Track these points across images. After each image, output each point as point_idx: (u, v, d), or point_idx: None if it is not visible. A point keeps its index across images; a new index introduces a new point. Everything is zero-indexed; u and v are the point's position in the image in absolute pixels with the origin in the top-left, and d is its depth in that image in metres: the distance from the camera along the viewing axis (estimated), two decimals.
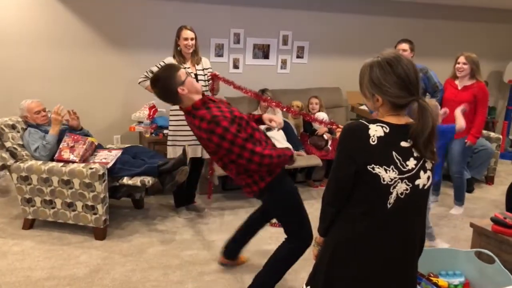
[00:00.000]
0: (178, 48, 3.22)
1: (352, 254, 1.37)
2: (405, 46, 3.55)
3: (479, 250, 2.16)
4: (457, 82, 3.54)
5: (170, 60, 3.21)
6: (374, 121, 1.33)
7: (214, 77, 3.25)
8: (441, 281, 2.04)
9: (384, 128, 1.31)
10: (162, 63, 3.18)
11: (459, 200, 3.74)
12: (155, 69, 3.18)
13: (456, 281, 2.08)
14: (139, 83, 3.26)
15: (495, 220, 2.22)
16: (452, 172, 3.66)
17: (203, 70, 3.30)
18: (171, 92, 2.12)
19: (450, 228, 3.47)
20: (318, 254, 1.52)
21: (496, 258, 2.03)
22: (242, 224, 2.66)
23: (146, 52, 4.24)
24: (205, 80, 3.30)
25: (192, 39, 3.19)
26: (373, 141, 1.29)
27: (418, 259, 1.46)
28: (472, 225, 2.36)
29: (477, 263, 2.12)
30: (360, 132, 1.30)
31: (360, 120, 1.34)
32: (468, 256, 2.16)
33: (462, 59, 3.48)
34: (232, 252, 2.69)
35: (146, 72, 3.23)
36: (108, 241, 2.99)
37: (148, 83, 3.17)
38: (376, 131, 1.30)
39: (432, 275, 2.10)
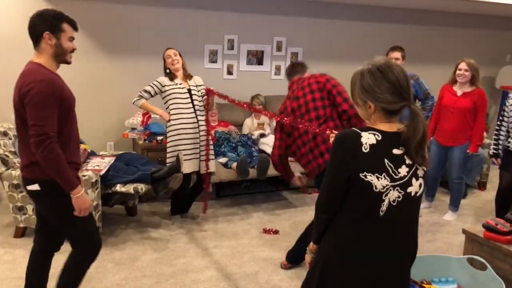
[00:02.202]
0: (167, 70, 3.28)
1: (344, 261, 1.37)
2: (397, 54, 3.57)
3: (471, 256, 2.17)
4: (455, 88, 3.50)
5: (162, 78, 3.27)
6: (366, 129, 1.33)
7: (209, 92, 3.25)
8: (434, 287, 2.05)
9: (376, 136, 1.31)
10: (155, 83, 3.25)
11: (455, 205, 3.75)
12: (148, 88, 3.24)
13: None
14: (133, 103, 3.27)
15: (487, 227, 2.23)
16: (452, 177, 3.65)
17: (196, 86, 3.33)
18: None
19: (443, 234, 3.48)
20: (312, 262, 1.52)
21: (488, 265, 2.05)
22: (304, 230, 2.74)
23: (140, 59, 4.24)
24: (199, 96, 3.32)
25: (175, 54, 3.26)
26: (365, 149, 1.29)
27: (411, 266, 1.47)
28: (464, 231, 2.37)
29: (470, 269, 2.13)
30: (352, 140, 1.31)
31: (353, 128, 1.35)
32: (461, 263, 2.17)
33: (463, 65, 3.41)
34: (294, 257, 2.79)
35: (140, 92, 3.26)
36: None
37: (142, 101, 3.25)
38: (368, 138, 1.30)
39: (425, 282, 2.10)
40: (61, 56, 1.88)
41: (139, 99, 3.25)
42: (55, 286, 2.13)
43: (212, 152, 3.40)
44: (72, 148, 1.92)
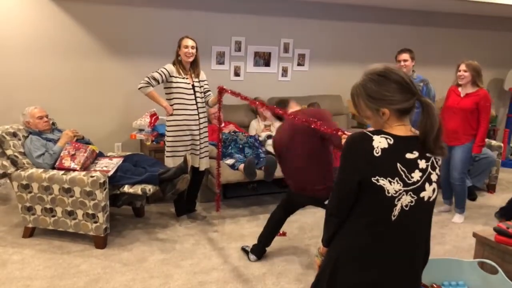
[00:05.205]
0: (179, 57, 3.23)
1: (355, 266, 1.35)
2: (405, 56, 3.59)
3: (482, 260, 2.15)
4: (460, 89, 3.55)
5: (170, 66, 3.21)
6: (378, 132, 1.31)
7: (222, 91, 3.22)
8: None
9: (388, 140, 1.29)
10: (164, 70, 3.17)
11: (460, 207, 3.73)
12: (157, 75, 3.15)
13: None
14: (139, 88, 3.15)
15: (498, 230, 2.20)
16: (454, 179, 3.64)
17: (199, 82, 3.32)
18: None
19: (452, 237, 3.45)
20: (321, 265, 1.51)
21: (499, 269, 2.02)
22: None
23: (147, 60, 4.26)
24: (201, 92, 3.32)
25: (192, 47, 3.20)
26: (377, 153, 1.28)
27: (422, 271, 1.45)
28: (475, 235, 2.34)
29: (480, 273, 2.10)
30: (364, 144, 1.29)
31: (364, 131, 1.33)
32: (471, 266, 2.14)
33: (462, 66, 3.49)
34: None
35: (148, 77, 3.14)
36: (108, 250, 2.97)
37: (150, 89, 3.14)
38: (380, 142, 1.29)
39: (435, 286, 2.08)
40: None
41: (147, 86, 3.13)
42: None
43: (207, 149, 3.41)
44: None
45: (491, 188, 4.56)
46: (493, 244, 2.22)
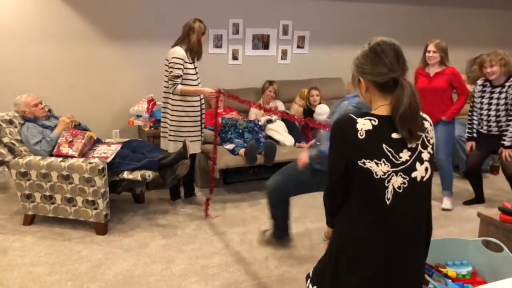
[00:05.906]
0: (192, 43, 3.13)
1: (356, 254, 1.32)
2: (431, 47, 3.49)
3: (486, 238, 2.13)
4: (427, 70, 3.55)
5: (180, 52, 3.11)
6: (363, 115, 1.29)
7: (219, 94, 3.13)
8: (450, 271, 2.01)
9: (372, 121, 1.27)
10: (179, 61, 3.08)
11: (447, 188, 3.63)
12: (177, 72, 3.09)
13: (464, 270, 2.04)
14: (172, 92, 3.14)
15: (503, 210, 2.18)
16: (439, 160, 3.55)
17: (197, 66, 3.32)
18: None
19: (455, 219, 3.43)
20: (325, 255, 1.49)
21: (504, 246, 1.99)
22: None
23: (143, 45, 4.18)
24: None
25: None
26: (361, 135, 1.25)
27: (426, 252, 1.43)
28: (479, 214, 2.32)
29: (485, 252, 2.08)
30: (348, 127, 1.27)
31: (350, 114, 1.30)
32: (475, 245, 2.12)
33: (431, 47, 3.47)
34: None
35: (171, 79, 3.10)
36: (109, 236, 2.96)
37: (179, 87, 3.11)
38: (364, 124, 1.26)
39: (439, 265, 2.06)
40: None
41: (174, 87, 3.11)
42: None
43: (199, 133, 3.35)
44: None
45: (494, 170, 4.53)
46: (497, 224, 2.19)
